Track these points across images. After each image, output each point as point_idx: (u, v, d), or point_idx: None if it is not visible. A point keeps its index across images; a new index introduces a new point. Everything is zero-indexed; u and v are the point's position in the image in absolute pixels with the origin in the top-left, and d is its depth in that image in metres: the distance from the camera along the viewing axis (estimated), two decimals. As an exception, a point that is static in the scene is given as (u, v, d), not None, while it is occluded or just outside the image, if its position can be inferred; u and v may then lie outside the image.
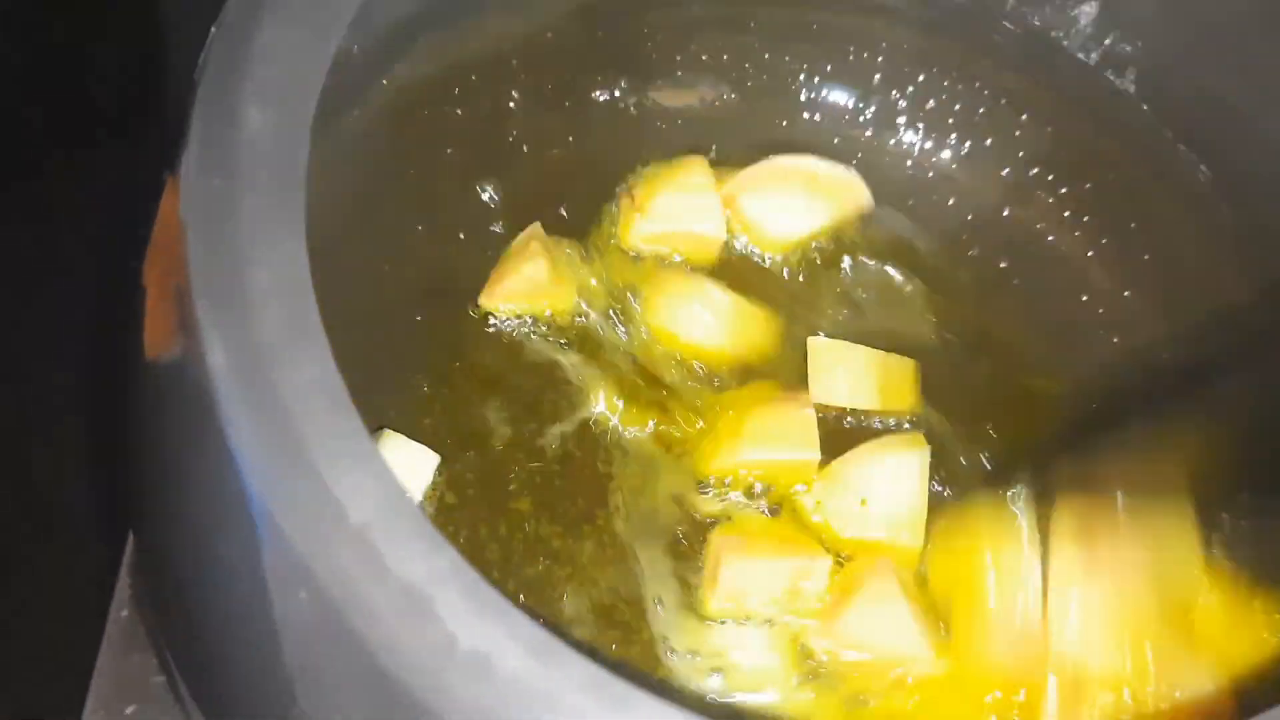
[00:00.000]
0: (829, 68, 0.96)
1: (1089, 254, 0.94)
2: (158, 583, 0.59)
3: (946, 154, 0.97)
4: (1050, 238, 0.96)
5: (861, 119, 0.97)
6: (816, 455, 0.82)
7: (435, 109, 0.82)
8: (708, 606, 0.76)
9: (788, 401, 0.83)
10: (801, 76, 0.97)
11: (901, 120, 0.97)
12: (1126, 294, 0.93)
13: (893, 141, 0.97)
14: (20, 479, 0.84)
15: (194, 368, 0.47)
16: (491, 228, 0.87)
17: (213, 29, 0.54)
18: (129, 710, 0.80)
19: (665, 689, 0.73)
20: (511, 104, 0.87)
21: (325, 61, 0.52)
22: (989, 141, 0.96)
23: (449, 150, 0.85)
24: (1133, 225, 0.93)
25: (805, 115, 0.97)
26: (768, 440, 0.81)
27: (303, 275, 0.48)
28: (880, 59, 0.95)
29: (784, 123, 0.97)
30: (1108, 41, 0.89)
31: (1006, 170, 0.96)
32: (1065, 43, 0.90)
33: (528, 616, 0.43)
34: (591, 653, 0.41)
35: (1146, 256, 0.92)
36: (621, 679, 0.42)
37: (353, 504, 0.44)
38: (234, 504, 0.46)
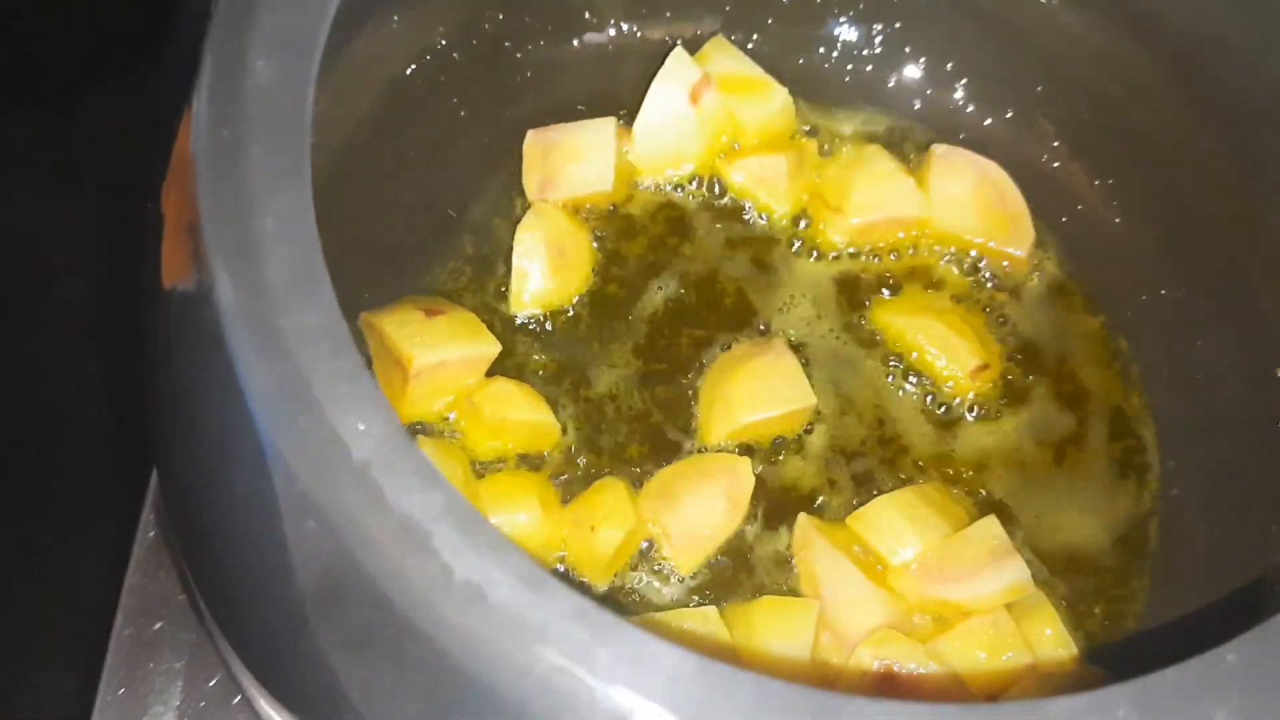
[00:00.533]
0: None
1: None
2: (179, 509, 0.62)
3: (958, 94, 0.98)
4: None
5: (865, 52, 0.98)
6: (813, 401, 0.85)
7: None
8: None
9: (767, 354, 0.85)
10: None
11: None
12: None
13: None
14: (49, 404, 0.87)
15: (205, 309, 0.50)
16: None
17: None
18: (156, 626, 0.84)
19: (648, 621, 0.77)
20: (509, 44, 0.88)
21: (330, 10, 0.53)
22: (995, 80, 0.96)
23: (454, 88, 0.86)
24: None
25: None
26: (764, 401, 0.84)
27: (308, 223, 0.50)
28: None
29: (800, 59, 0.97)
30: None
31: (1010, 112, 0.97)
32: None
33: (519, 550, 0.46)
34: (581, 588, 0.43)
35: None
36: (606, 609, 0.45)
37: (355, 442, 0.47)
38: (244, 440, 0.49)
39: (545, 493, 0.82)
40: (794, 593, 0.82)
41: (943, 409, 0.89)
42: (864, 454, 0.88)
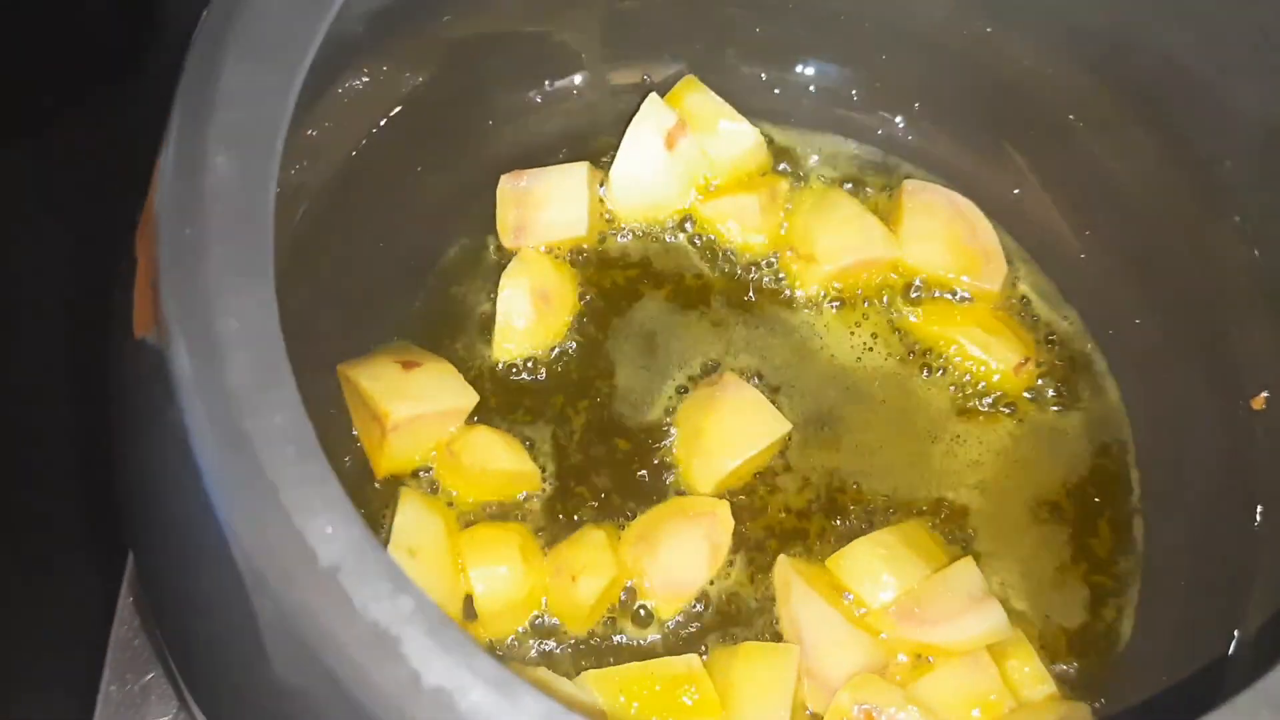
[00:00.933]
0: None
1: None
2: (154, 598, 0.62)
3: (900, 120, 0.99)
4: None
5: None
6: (787, 427, 0.86)
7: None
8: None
9: (727, 392, 0.86)
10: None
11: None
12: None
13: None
14: (22, 484, 0.86)
15: (170, 411, 0.49)
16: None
17: (181, 71, 0.55)
18: (148, 678, 0.84)
19: (631, 669, 0.77)
20: (477, 92, 0.88)
21: (289, 102, 0.53)
22: (950, 107, 0.97)
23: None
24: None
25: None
26: (744, 442, 0.85)
27: (271, 322, 0.50)
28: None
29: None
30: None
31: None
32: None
33: (489, 655, 0.46)
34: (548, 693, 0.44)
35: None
36: (577, 714, 0.45)
37: (322, 546, 0.47)
38: (213, 542, 0.49)
39: (527, 544, 0.82)
40: (776, 635, 0.83)
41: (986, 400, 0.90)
42: (843, 490, 0.88)
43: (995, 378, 0.91)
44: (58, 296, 0.98)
